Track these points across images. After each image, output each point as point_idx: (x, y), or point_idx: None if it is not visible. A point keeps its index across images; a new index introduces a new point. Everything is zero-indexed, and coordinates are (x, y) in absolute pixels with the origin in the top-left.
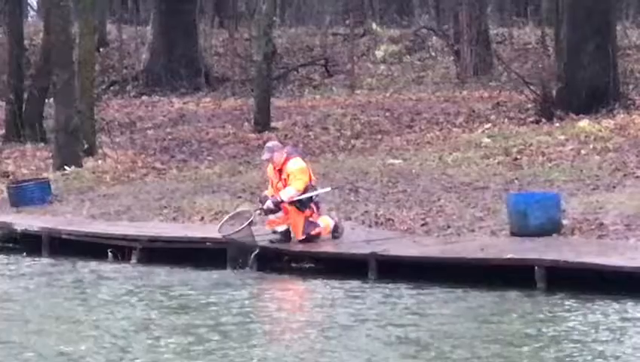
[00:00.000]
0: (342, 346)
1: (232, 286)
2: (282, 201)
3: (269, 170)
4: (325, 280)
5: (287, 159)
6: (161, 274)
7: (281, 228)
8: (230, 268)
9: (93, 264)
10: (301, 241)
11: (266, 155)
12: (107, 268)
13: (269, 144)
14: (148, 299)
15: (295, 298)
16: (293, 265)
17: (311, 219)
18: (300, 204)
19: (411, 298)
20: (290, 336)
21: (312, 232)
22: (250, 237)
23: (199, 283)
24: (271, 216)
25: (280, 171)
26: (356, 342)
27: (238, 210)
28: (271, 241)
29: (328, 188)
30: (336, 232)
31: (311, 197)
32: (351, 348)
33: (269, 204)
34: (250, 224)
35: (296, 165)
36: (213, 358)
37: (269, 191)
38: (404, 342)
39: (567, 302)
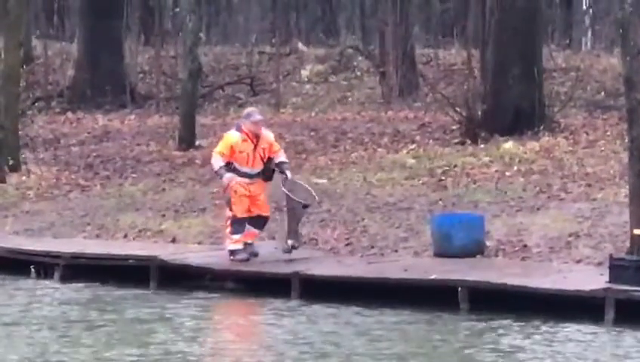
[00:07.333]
0: None
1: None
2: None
3: (237, 142)
4: (247, 300)
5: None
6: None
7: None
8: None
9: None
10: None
11: (260, 117)
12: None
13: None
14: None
15: (216, 317)
16: (215, 283)
17: None
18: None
19: (333, 317)
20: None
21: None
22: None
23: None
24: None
25: (257, 138)
26: None
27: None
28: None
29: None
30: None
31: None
32: None
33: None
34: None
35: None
36: None
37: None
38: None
39: (489, 324)
